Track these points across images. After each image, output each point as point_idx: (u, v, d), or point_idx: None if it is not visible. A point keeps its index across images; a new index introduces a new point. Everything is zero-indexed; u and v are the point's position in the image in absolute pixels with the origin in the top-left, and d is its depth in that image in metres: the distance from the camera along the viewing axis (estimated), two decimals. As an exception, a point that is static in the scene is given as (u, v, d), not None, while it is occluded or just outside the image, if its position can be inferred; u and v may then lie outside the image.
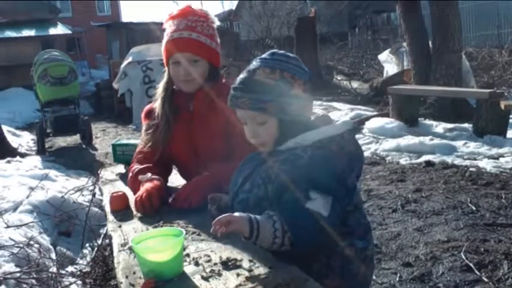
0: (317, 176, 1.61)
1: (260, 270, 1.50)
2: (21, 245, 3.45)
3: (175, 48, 2.29)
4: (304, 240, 1.56)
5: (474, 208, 4.32)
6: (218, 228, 1.51)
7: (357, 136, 1.80)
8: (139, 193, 2.22)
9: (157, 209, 2.17)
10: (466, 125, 7.77)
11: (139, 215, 2.16)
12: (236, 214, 1.55)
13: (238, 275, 1.48)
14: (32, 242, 3.58)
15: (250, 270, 1.51)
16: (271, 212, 1.59)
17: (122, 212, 2.22)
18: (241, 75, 1.76)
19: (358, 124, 7.92)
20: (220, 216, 1.53)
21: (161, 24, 2.45)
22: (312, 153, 1.65)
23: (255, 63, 1.75)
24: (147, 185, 2.24)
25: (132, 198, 2.30)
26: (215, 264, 1.57)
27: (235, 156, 2.17)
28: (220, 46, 2.41)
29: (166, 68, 2.41)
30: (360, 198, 1.84)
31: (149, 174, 2.31)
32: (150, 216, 2.10)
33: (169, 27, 2.35)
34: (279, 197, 1.63)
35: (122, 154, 3.02)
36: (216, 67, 2.41)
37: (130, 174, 2.44)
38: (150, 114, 2.48)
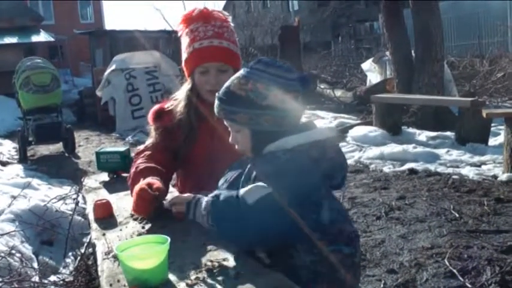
0: (281, 175, 1.58)
1: (246, 277, 1.50)
2: (2, 255, 3.41)
3: (206, 57, 2.20)
4: (220, 225, 1.63)
5: (457, 215, 4.36)
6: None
7: (340, 144, 1.80)
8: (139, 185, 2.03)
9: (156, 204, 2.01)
10: (448, 133, 7.85)
11: (124, 222, 2.13)
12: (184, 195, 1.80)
13: (223, 282, 1.47)
14: (13, 251, 3.54)
15: (235, 278, 1.50)
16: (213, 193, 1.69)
17: (106, 220, 2.20)
18: (224, 84, 1.77)
19: (341, 132, 7.98)
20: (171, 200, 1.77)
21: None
22: (291, 156, 1.63)
23: (239, 72, 1.75)
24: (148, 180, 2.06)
25: (117, 204, 2.28)
26: (200, 271, 1.56)
27: None
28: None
29: (187, 77, 2.31)
30: (341, 208, 1.82)
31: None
32: (140, 218, 2.08)
33: (192, 33, 2.22)
34: None
35: (105, 162, 2.98)
36: None
37: (134, 169, 2.22)
38: (160, 116, 2.34)
